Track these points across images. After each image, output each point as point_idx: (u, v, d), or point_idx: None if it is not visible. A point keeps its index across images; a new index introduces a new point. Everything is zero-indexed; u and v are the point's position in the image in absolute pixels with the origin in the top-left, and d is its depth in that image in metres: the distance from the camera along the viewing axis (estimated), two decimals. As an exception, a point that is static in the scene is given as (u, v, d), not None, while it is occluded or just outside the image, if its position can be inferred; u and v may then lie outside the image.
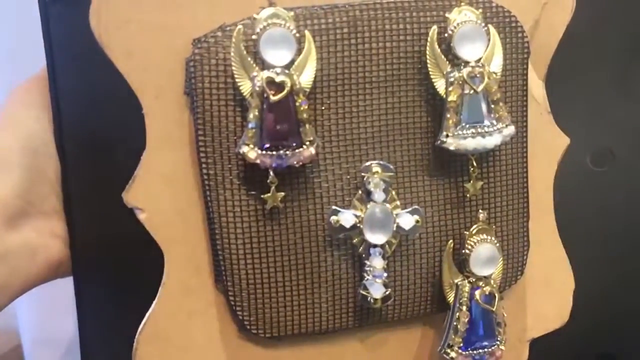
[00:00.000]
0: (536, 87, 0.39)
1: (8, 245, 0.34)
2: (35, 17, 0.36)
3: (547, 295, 0.41)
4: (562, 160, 0.48)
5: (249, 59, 0.32)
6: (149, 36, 0.33)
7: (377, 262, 0.34)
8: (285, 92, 0.31)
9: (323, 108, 0.34)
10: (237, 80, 0.32)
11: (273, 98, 0.31)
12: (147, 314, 0.35)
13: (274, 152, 0.32)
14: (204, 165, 0.34)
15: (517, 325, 0.40)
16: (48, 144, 0.37)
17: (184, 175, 0.35)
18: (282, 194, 0.33)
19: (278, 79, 0.31)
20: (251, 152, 0.32)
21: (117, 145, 0.36)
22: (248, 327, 0.35)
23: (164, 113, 0.34)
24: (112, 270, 0.38)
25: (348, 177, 0.35)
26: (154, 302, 0.35)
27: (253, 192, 0.34)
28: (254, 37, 0.32)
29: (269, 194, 0.33)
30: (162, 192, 0.35)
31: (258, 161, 0.32)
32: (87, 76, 0.36)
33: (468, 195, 0.36)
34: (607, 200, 0.49)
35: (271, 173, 0.33)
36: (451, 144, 0.34)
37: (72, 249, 0.37)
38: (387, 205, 0.34)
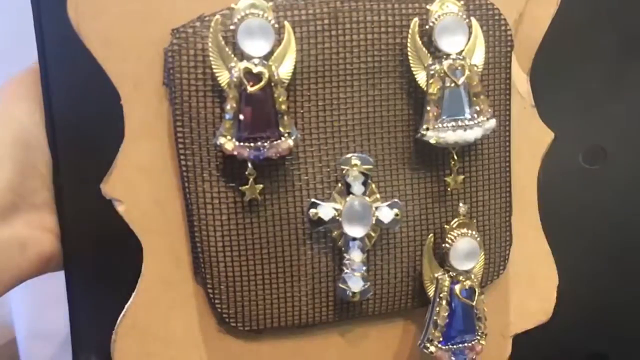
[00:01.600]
0: (520, 81, 0.38)
1: None
2: (27, 11, 0.36)
3: (531, 290, 0.40)
4: (554, 157, 0.48)
5: (227, 49, 0.32)
6: (127, 26, 0.33)
7: (355, 256, 0.34)
8: (263, 83, 0.31)
9: (303, 100, 0.34)
10: (215, 70, 0.32)
11: (250, 89, 0.31)
12: (126, 306, 0.35)
13: (252, 144, 0.31)
14: (182, 157, 0.33)
15: (500, 321, 0.40)
16: (39, 137, 0.36)
17: (163, 167, 0.34)
18: (261, 186, 0.33)
19: (256, 69, 0.31)
20: (228, 144, 0.31)
21: (108, 139, 0.36)
22: (227, 320, 0.35)
23: (143, 103, 0.34)
24: (103, 263, 0.38)
25: (328, 169, 0.34)
26: (133, 294, 0.35)
27: (232, 184, 0.33)
28: (232, 27, 0.31)
29: (247, 186, 0.33)
30: (141, 184, 0.34)
31: (235, 153, 0.31)
32: (79, 70, 0.36)
33: (449, 189, 0.36)
34: (599, 198, 0.49)
35: (249, 165, 0.32)
36: (431, 137, 0.33)
37: (63, 242, 0.37)
38: (367, 198, 0.34)
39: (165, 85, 0.33)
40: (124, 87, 0.34)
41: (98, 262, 0.38)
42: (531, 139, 0.39)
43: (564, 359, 0.50)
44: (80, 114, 0.36)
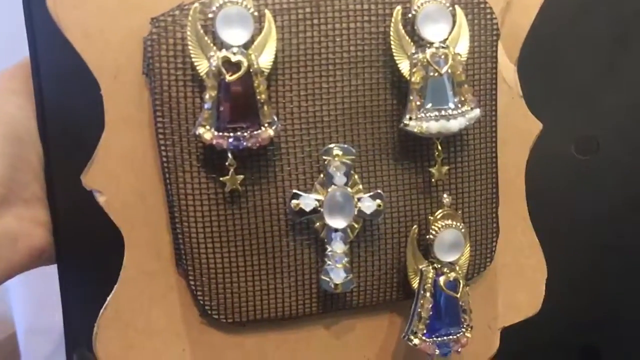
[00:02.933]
0: (507, 70, 0.38)
1: None
2: (18, 5, 0.35)
3: (519, 282, 0.40)
4: (546, 148, 0.48)
5: (207, 38, 0.31)
6: (107, 15, 0.33)
7: (337, 247, 0.33)
8: (241, 72, 0.31)
9: (285, 90, 0.33)
10: (194, 60, 0.31)
11: (229, 78, 0.30)
12: (108, 298, 0.35)
13: (231, 134, 0.31)
14: (162, 147, 0.33)
15: (487, 313, 0.40)
16: (31, 131, 0.36)
17: (144, 158, 0.34)
18: (242, 176, 0.33)
19: (234, 58, 0.31)
20: (207, 134, 0.31)
21: (100, 133, 0.36)
22: (209, 312, 0.35)
23: (124, 94, 0.34)
24: (96, 256, 0.38)
25: (310, 160, 0.34)
26: (115, 286, 0.35)
27: (213, 175, 0.33)
28: (210, 15, 0.31)
29: (227, 177, 0.33)
30: (122, 175, 0.34)
31: (214, 142, 0.31)
32: (70, 63, 0.35)
33: (433, 179, 0.35)
34: (591, 189, 0.48)
35: (229, 155, 0.32)
36: (414, 126, 0.33)
37: (55, 236, 0.37)
38: (349, 189, 0.33)
39: (145, 75, 0.33)
40: (104, 78, 0.33)
41: (90, 255, 0.38)
42: (519, 130, 0.39)
43: (556, 352, 0.49)
44: (71, 107, 0.36)
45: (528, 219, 0.40)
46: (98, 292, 0.37)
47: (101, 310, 0.35)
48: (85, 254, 0.37)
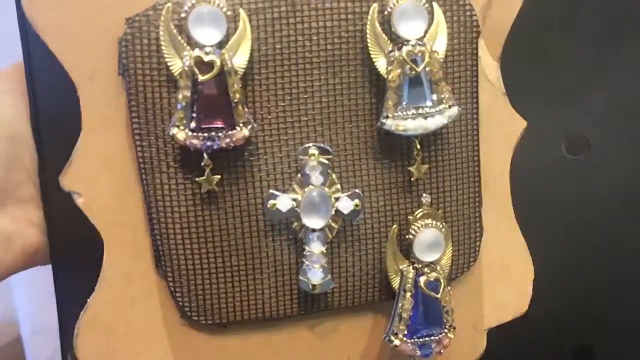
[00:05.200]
0: (490, 68, 0.37)
1: None
2: (12, 6, 0.35)
3: (505, 283, 0.40)
4: (537, 147, 0.47)
5: (180, 38, 0.31)
6: (82, 16, 0.33)
7: (315, 247, 0.33)
8: (214, 72, 0.30)
9: (262, 89, 0.33)
10: (167, 60, 0.31)
11: (202, 78, 0.30)
12: (88, 300, 0.35)
13: (205, 134, 0.31)
14: (139, 148, 0.33)
15: (473, 314, 0.39)
16: (24, 131, 0.36)
17: (121, 159, 0.34)
18: (218, 177, 0.33)
19: (207, 58, 0.30)
20: (180, 134, 0.31)
21: None
22: (189, 313, 0.35)
23: (100, 95, 0.33)
24: (90, 257, 0.38)
25: (289, 160, 0.34)
26: (95, 288, 0.35)
27: (190, 176, 0.33)
28: (183, 15, 0.31)
29: (203, 177, 0.32)
30: (100, 176, 0.34)
31: (187, 143, 0.31)
32: None
33: (413, 179, 0.35)
34: (582, 189, 0.48)
35: (205, 155, 0.32)
36: (391, 125, 0.33)
37: (49, 236, 0.37)
38: (326, 189, 0.33)
39: (121, 75, 0.33)
40: (80, 79, 0.33)
41: (85, 255, 0.37)
42: (503, 128, 0.38)
43: (550, 352, 0.49)
44: (64, 108, 0.36)
45: (514, 218, 0.39)
46: (92, 291, 0.37)
47: (81, 312, 0.35)
48: (79, 254, 0.37)
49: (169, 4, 0.31)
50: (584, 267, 0.48)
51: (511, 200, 0.39)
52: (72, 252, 0.37)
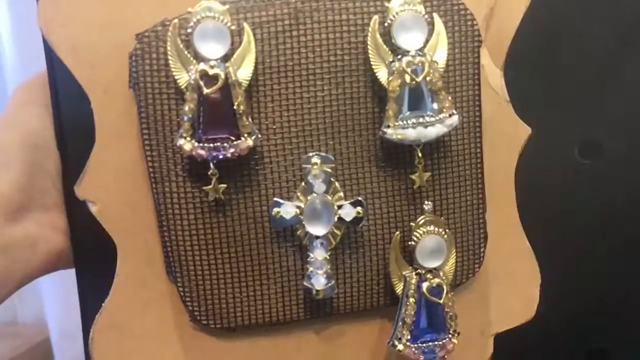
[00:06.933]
0: (493, 76, 0.38)
1: (9, 238, 0.36)
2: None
3: (512, 288, 0.40)
4: (549, 152, 0.47)
5: (187, 52, 0.32)
6: (94, 33, 0.34)
7: (318, 254, 0.34)
8: (219, 84, 0.32)
9: (266, 100, 0.34)
10: (174, 73, 0.33)
11: (207, 91, 0.31)
12: (103, 304, 0.36)
13: (211, 145, 0.32)
14: (148, 159, 0.34)
15: (479, 319, 0.40)
16: (49, 139, 0.38)
17: (133, 168, 0.35)
18: (224, 186, 0.34)
19: (212, 71, 0.32)
20: (187, 145, 0.32)
21: None
22: (198, 317, 0.36)
23: (113, 107, 0.35)
24: (112, 260, 0.39)
25: (293, 168, 0.35)
26: (110, 293, 0.36)
27: (197, 185, 0.34)
28: (189, 30, 0.32)
29: (210, 186, 0.33)
30: (113, 185, 0.35)
31: (194, 153, 0.32)
32: None
33: (415, 186, 0.35)
34: (595, 193, 0.48)
35: (211, 165, 0.33)
36: (392, 134, 0.33)
37: (72, 240, 0.38)
38: (328, 196, 0.34)
39: (132, 88, 0.34)
40: (94, 92, 0.35)
41: (107, 258, 0.39)
42: (507, 135, 0.38)
43: (564, 356, 0.49)
44: (87, 117, 0.37)
45: (519, 224, 0.39)
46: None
47: (96, 316, 0.36)
48: (101, 258, 0.38)
49: (176, 20, 0.32)
50: (598, 271, 0.48)
51: (516, 206, 0.39)
52: (95, 257, 0.38)
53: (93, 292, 0.39)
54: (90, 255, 0.39)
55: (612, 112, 0.48)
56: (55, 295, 0.81)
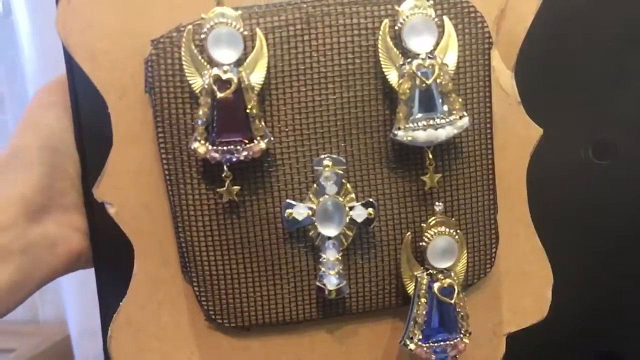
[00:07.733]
0: (504, 77, 0.38)
1: (30, 239, 0.37)
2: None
3: (524, 289, 0.40)
4: (563, 152, 0.47)
5: (201, 58, 0.33)
6: (111, 39, 0.35)
7: (330, 254, 0.34)
8: (232, 88, 0.32)
9: (279, 104, 0.35)
10: (189, 78, 0.33)
11: (220, 95, 0.32)
12: (120, 304, 0.37)
13: (225, 147, 0.33)
14: (164, 161, 0.35)
15: (491, 319, 0.40)
16: (68, 142, 0.39)
17: (149, 171, 0.36)
18: (238, 187, 0.34)
19: (225, 76, 0.32)
20: (201, 148, 0.33)
21: None
22: (213, 316, 0.37)
23: (129, 111, 0.36)
24: (131, 260, 0.40)
25: (305, 170, 0.35)
26: (127, 292, 0.37)
27: (212, 187, 0.35)
28: (202, 36, 0.33)
29: (224, 188, 0.34)
30: (130, 187, 0.36)
31: (208, 156, 0.33)
32: None
33: (426, 188, 0.36)
34: (608, 193, 0.48)
35: (225, 167, 0.34)
36: (403, 136, 0.34)
37: (92, 241, 0.39)
38: (340, 198, 0.34)
39: (147, 93, 0.35)
40: (111, 96, 0.36)
41: (126, 258, 0.39)
42: (518, 136, 0.39)
43: (573, 357, 0.49)
44: (106, 119, 0.38)
45: (531, 224, 0.39)
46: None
47: (114, 315, 0.37)
48: (120, 258, 0.39)
49: (190, 26, 0.33)
50: (610, 272, 0.48)
51: (528, 207, 0.39)
52: (114, 256, 0.39)
53: (112, 291, 0.40)
54: (110, 256, 0.40)
55: (626, 111, 0.47)
56: (76, 295, 0.83)
